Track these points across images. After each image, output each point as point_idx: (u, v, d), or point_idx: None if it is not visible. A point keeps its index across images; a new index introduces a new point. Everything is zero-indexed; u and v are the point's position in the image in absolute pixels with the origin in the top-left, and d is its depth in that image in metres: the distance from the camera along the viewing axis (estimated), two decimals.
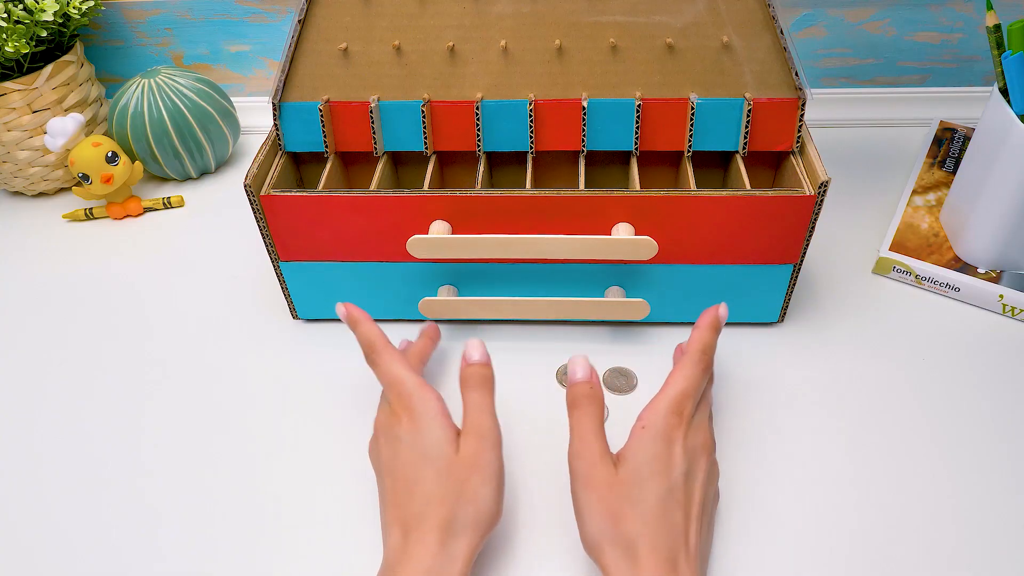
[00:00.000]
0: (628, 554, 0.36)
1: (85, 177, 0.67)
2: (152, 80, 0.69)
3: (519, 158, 0.57)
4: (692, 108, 0.51)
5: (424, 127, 0.53)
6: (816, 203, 0.48)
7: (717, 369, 0.52)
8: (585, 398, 0.41)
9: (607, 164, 0.58)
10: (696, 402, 0.41)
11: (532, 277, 0.53)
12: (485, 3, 0.50)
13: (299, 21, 0.50)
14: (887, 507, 0.44)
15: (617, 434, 0.49)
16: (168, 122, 0.69)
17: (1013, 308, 0.55)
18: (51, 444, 0.51)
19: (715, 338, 0.44)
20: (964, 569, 0.41)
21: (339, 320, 0.57)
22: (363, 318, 0.46)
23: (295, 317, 0.58)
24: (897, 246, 0.59)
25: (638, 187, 0.51)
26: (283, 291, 0.56)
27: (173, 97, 0.69)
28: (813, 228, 0.49)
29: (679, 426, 0.40)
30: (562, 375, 0.53)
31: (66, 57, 0.70)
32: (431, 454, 0.39)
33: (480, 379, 0.43)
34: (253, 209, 0.51)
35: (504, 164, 0.59)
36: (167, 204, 0.72)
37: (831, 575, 0.41)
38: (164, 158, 0.72)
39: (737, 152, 0.53)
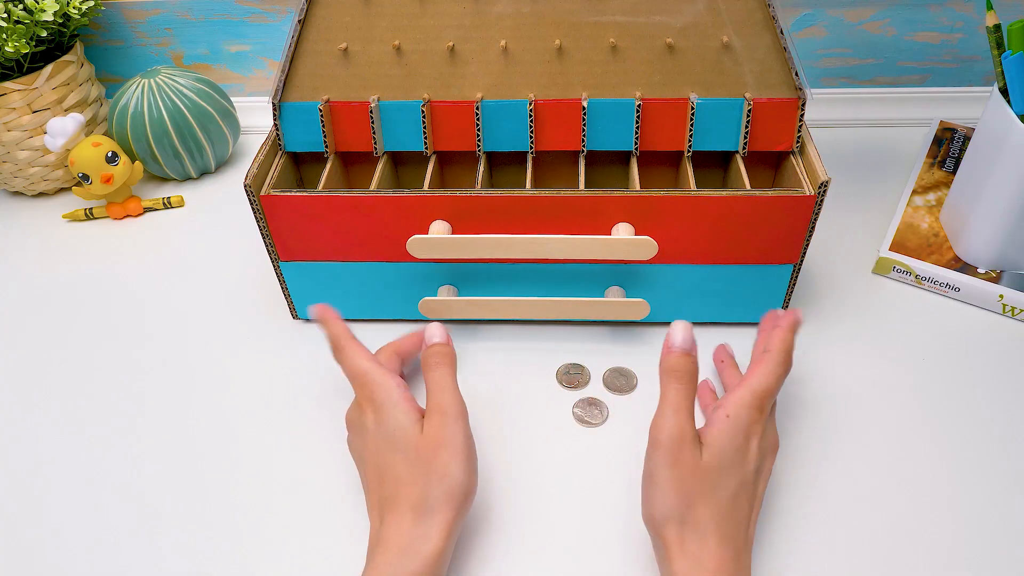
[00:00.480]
0: (697, 537, 0.37)
1: (85, 177, 0.67)
2: (152, 80, 0.69)
3: (519, 158, 0.57)
4: (692, 108, 0.51)
5: (424, 127, 0.53)
6: (816, 203, 0.48)
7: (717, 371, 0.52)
8: (686, 373, 0.40)
9: (607, 164, 0.58)
10: (773, 401, 0.42)
11: (532, 277, 0.53)
12: (485, 3, 0.50)
13: (299, 21, 0.50)
14: (887, 507, 0.44)
15: (619, 435, 0.49)
16: (168, 122, 0.69)
17: (1013, 308, 0.55)
18: (51, 443, 0.51)
19: (791, 343, 0.44)
20: (963, 569, 0.41)
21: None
22: (331, 317, 0.47)
23: (295, 317, 0.58)
24: (897, 246, 0.59)
25: (638, 187, 0.51)
26: (283, 291, 0.56)
27: (173, 97, 0.69)
28: (813, 228, 0.49)
29: (759, 422, 0.40)
30: (562, 375, 0.53)
31: (66, 57, 0.70)
32: (396, 439, 0.41)
33: (439, 357, 0.44)
34: (253, 209, 0.51)
35: (504, 164, 0.59)
36: (167, 204, 0.72)
37: (830, 574, 0.41)
38: (164, 158, 0.72)
39: (737, 152, 0.53)
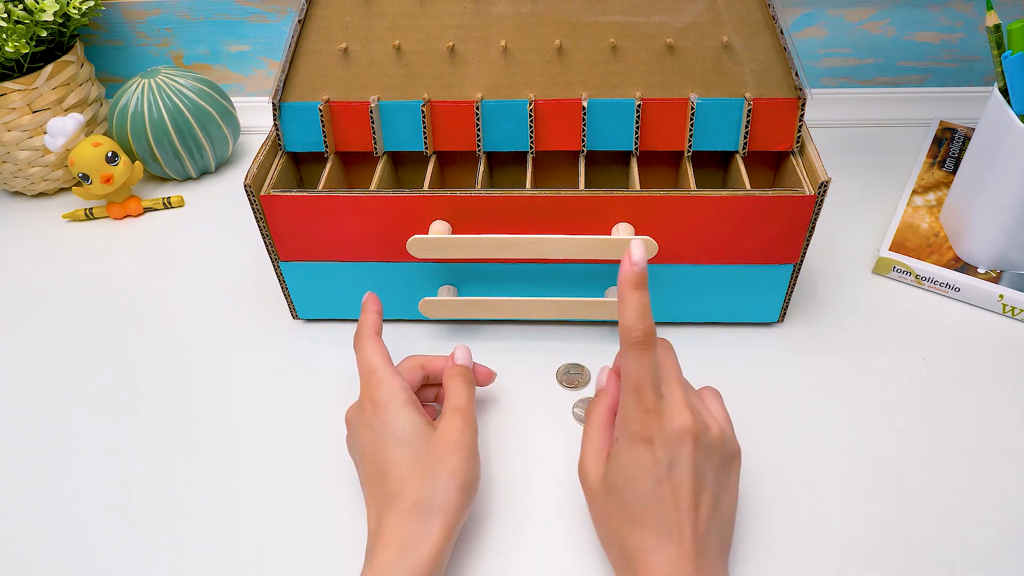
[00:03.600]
0: (629, 565, 0.37)
1: (85, 177, 0.67)
2: (152, 80, 0.69)
3: (519, 158, 0.57)
4: (692, 108, 0.51)
5: (424, 127, 0.53)
6: (816, 203, 0.48)
7: (716, 370, 0.52)
8: (592, 407, 0.43)
9: (607, 164, 0.58)
10: (655, 388, 0.37)
11: (532, 277, 0.53)
12: (485, 3, 0.50)
13: (299, 21, 0.50)
14: (887, 507, 0.44)
15: None
16: (168, 122, 0.69)
17: (1013, 308, 0.55)
18: (51, 442, 0.51)
19: (637, 306, 0.37)
20: (963, 569, 0.41)
21: (340, 320, 0.57)
22: (370, 308, 0.48)
23: (295, 317, 0.58)
24: (897, 246, 0.59)
25: (638, 187, 0.51)
26: (283, 291, 0.56)
27: (173, 97, 0.69)
28: (813, 228, 0.49)
29: (649, 421, 0.37)
30: (562, 375, 0.53)
31: (66, 57, 0.70)
32: (403, 436, 0.41)
33: (465, 375, 0.45)
34: (253, 209, 0.51)
35: (504, 164, 0.59)
36: (167, 204, 0.72)
37: (829, 574, 0.41)
38: (164, 158, 0.72)
39: (737, 152, 0.53)
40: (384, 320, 0.56)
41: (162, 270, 0.65)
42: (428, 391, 0.49)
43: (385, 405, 0.42)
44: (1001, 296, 0.55)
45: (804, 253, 0.51)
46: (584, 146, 0.53)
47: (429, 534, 0.38)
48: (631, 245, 0.37)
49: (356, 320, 0.56)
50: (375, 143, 0.54)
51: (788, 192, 0.48)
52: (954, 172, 0.66)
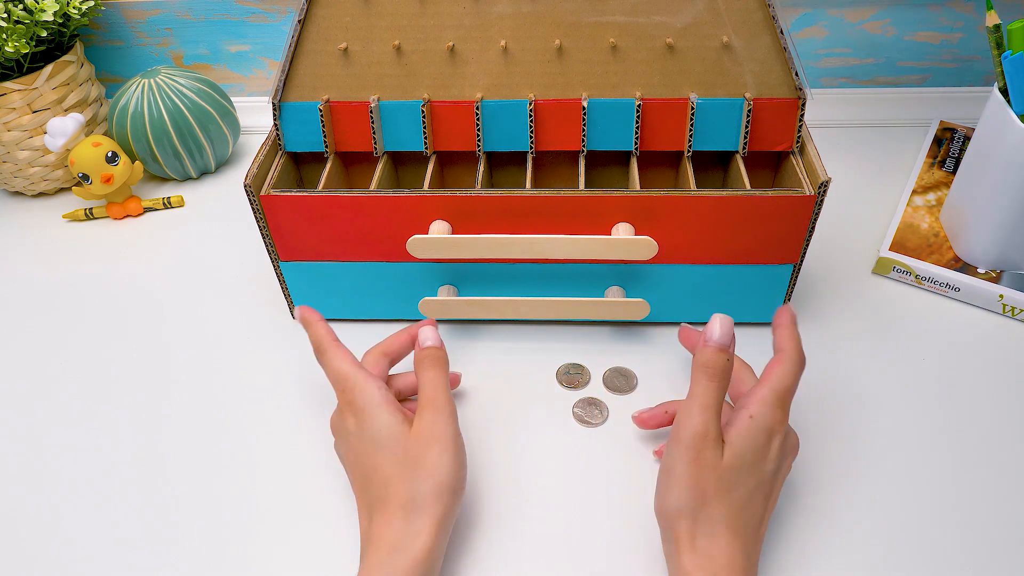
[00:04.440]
0: (708, 532, 0.37)
1: (85, 177, 0.67)
2: (152, 80, 0.69)
3: (519, 158, 0.57)
4: (692, 108, 0.51)
5: (424, 127, 0.53)
6: (816, 203, 0.48)
7: None
8: (719, 371, 0.39)
9: (607, 164, 0.58)
10: (791, 401, 0.41)
11: (532, 277, 0.53)
12: (485, 3, 0.50)
13: (299, 21, 0.50)
14: (886, 507, 0.44)
15: (619, 435, 0.49)
16: (168, 122, 0.69)
17: (1013, 308, 0.55)
18: (50, 442, 0.51)
19: (798, 342, 0.43)
20: (964, 569, 0.41)
21: (339, 320, 0.57)
22: (314, 319, 0.46)
23: (295, 317, 0.58)
24: (897, 246, 0.59)
25: (638, 187, 0.51)
26: (283, 291, 0.56)
27: (173, 97, 0.69)
28: (813, 228, 0.49)
29: (782, 422, 0.40)
30: (562, 375, 0.53)
31: (66, 57, 0.70)
32: (382, 439, 0.41)
33: (433, 360, 0.44)
34: (253, 209, 0.51)
35: (504, 164, 0.59)
36: (167, 204, 0.72)
37: (828, 571, 0.41)
38: (164, 158, 0.72)
39: (737, 152, 0.53)
40: (384, 320, 0.57)
41: (162, 270, 0.65)
42: (410, 379, 0.48)
43: (362, 410, 0.42)
44: (1001, 296, 0.55)
45: (804, 253, 0.51)
46: (584, 146, 0.53)
47: (418, 532, 0.38)
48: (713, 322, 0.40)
49: (356, 320, 0.57)
50: (375, 143, 0.54)
51: (788, 192, 0.48)
52: (954, 172, 0.66)
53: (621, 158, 0.57)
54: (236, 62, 0.82)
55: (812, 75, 0.77)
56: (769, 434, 0.39)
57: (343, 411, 0.43)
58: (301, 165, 0.58)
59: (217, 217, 0.70)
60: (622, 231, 0.49)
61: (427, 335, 0.45)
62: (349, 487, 0.46)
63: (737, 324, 0.55)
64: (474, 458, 0.47)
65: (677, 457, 0.38)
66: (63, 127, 0.68)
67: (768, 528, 0.43)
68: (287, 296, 0.56)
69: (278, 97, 0.53)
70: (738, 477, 0.38)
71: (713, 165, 0.57)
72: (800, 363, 0.42)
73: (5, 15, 0.64)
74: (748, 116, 0.51)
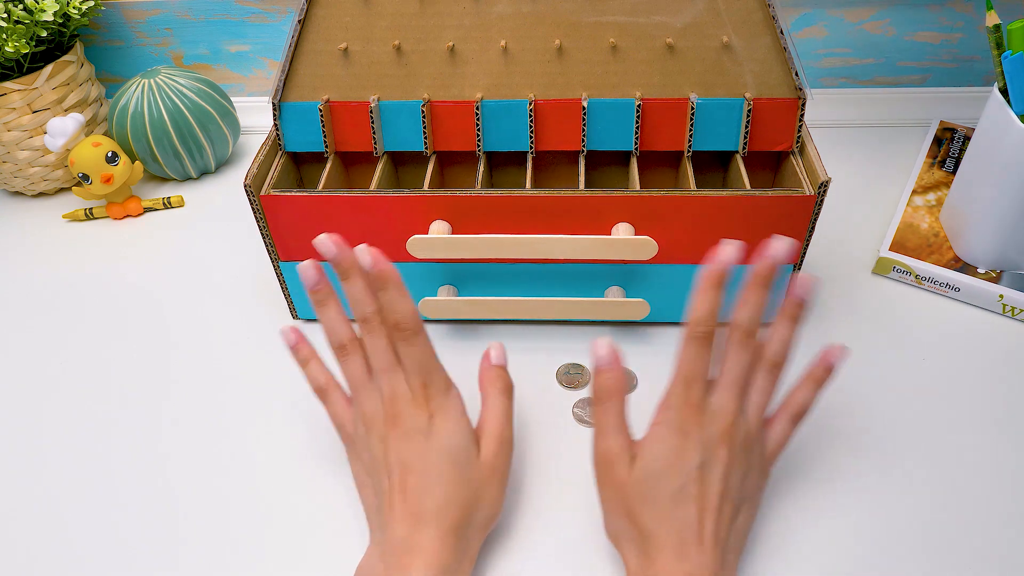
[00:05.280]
0: (642, 550, 0.37)
1: (85, 177, 0.67)
2: (152, 80, 0.69)
3: (519, 158, 0.57)
4: (692, 108, 0.51)
5: (424, 127, 0.53)
6: (816, 203, 0.48)
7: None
8: (605, 392, 0.39)
9: (607, 164, 0.58)
10: (703, 384, 0.39)
11: (532, 277, 0.53)
12: (485, 3, 0.50)
13: (299, 21, 0.50)
14: (886, 507, 0.44)
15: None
16: (168, 122, 0.69)
17: (1013, 308, 0.55)
18: (49, 442, 0.51)
19: (710, 304, 0.39)
20: (963, 568, 0.41)
21: None
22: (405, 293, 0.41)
23: (295, 317, 0.58)
24: (897, 246, 0.59)
25: (638, 187, 0.51)
26: (283, 291, 0.56)
27: (173, 97, 0.69)
28: (813, 228, 0.49)
29: (692, 415, 0.38)
30: (562, 375, 0.53)
31: (66, 57, 0.70)
32: (457, 455, 0.39)
33: (506, 386, 0.44)
34: (253, 209, 0.51)
35: (504, 164, 0.59)
36: (167, 204, 0.72)
37: (829, 572, 0.41)
38: (164, 158, 0.72)
39: (737, 152, 0.53)
40: None
41: (162, 270, 0.65)
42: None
43: (450, 414, 0.40)
44: (1001, 296, 0.55)
45: (804, 253, 0.51)
46: (584, 146, 0.53)
47: (467, 557, 0.39)
48: (722, 247, 0.39)
49: (356, 320, 0.57)
50: (375, 143, 0.54)
51: (788, 192, 0.48)
52: (954, 172, 0.66)
53: (621, 158, 0.57)
54: (236, 62, 0.82)
55: (812, 75, 0.77)
56: (681, 432, 0.38)
57: (424, 407, 0.40)
58: (301, 165, 0.58)
59: (217, 217, 0.70)
60: (622, 231, 0.49)
61: (498, 353, 0.44)
62: (351, 486, 0.46)
63: None
64: None
65: (597, 484, 0.39)
66: (63, 127, 0.68)
67: (760, 528, 0.43)
68: (287, 296, 0.56)
69: (278, 97, 0.53)
70: (654, 486, 0.37)
71: (713, 165, 0.57)
72: (693, 343, 0.38)
73: (5, 15, 0.64)
74: (748, 116, 0.51)
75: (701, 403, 0.38)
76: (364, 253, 0.40)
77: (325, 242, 0.41)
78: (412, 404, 0.40)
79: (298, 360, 0.45)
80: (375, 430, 0.41)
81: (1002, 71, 0.53)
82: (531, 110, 0.52)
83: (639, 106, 0.51)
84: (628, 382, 0.40)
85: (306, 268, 0.42)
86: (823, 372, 0.42)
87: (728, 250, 0.39)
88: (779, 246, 0.39)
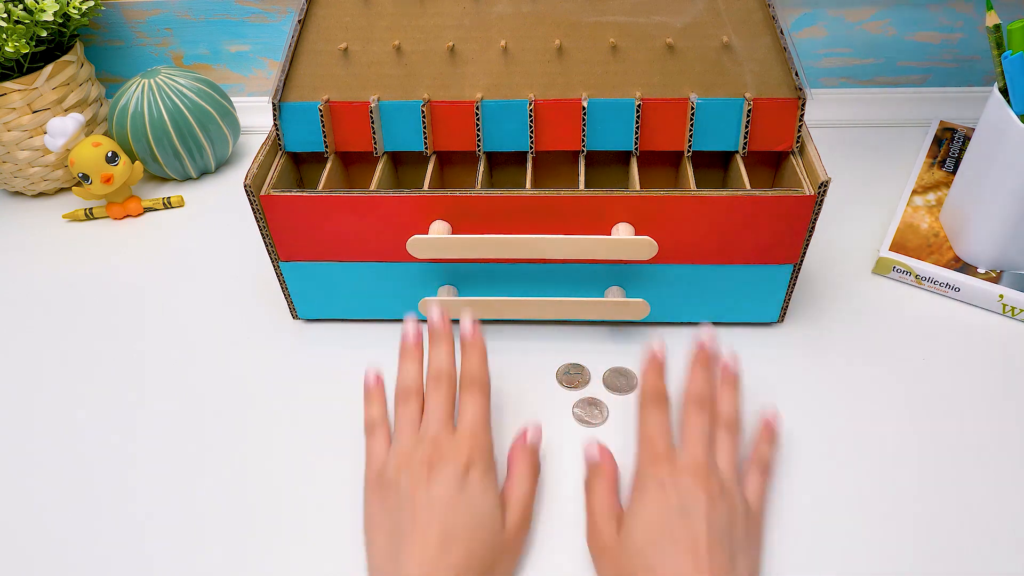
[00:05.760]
0: None
1: (85, 177, 0.67)
2: (152, 80, 0.69)
3: (519, 158, 0.57)
4: (692, 108, 0.51)
5: (424, 127, 0.53)
6: (816, 203, 0.48)
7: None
8: (592, 478, 0.43)
9: (607, 164, 0.58)
10: (667, 440, 0.42)
11: (532, 277, 0.53)
12: (485, 3, 0.50)
13: (299, 21, 0.50)
14: (886, 507, 0.44)
15: (619, 435, 0.49)
16: (168, 122, 0.69)
17: (1013, 308, 0.55)
18: (50, 442, 0.51)
19: (657, 379, 0.43)
20: (963, 568, 0.41)
21: (339, 320, 0.57)
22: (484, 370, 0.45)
23: (295, 317, 0.58)
24: (897, 246, 0.59)
25: (638, 187, 0.51)
26: (283, 291, 0.56)
27: (173, 97, 0.69)
28: (813, 228, 0.49)
29: (664, 467, 0.40)
30: (562, 375, 0.53)
31: (66, 57, 0.70)
32: (485, 518, 0.40)
33: (535, 467, 0.45)
34: (253, 209, 0.51)
35: (504, 164, 0.59)
36: (167, 204, 0.72)
37: (827, 574, 0.41)
38: (164, 158, 0.72)
39: (737, 152, 0.53)
40: (384, 320, 0.57)
41: (162, 270, 0.65)
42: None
43: (487, 475, 0.41)
44: (1001, 296, 0.55)
45: (804, 253, 0.51)
46: (584, 146, 0.53)
47: None
48: (652, 354, 0.44)
49: (356, 320, 0.57)
50: (375, 143, 0.54)
51: (788, 192, 0.48)
52: (954, 172, 0.66)
53: (621, 158, 0.57)
54: (236, 62, 0.82)
55: (812, 75, 0.77)
56: (658, 485, 0.40)
57: (466, 461, 0.40)
58: (301, 165, 0.58)
59: (217, 217, 0.70)
60: (622, 231, 0.49)
61: (535, 437, 0.45)
62: (351, 486, 0.46)
63: (736, 324, 0.55)
64: None
65: (593, 562, 0.41)
66: (63, 127, 0.68)
67: (766, 533, 0.43)
68: (287, 296, 0.56)
69: (278, 97, 0.53)
70: (643, 547, 0.38)
71: (713, 165, 0.57)
72: (649, 405, 0.43)
73: (5, 15, 0.64)
74: (748, 116, 0.51)
75: (670, 455, 0.41)
76: (465, 320, 0.46)
77: (433, 312, 0.46)
78: (453, 452, 0.41)
79: (368, 395, 0.47)
80: (410, 470, 0.41)
81: (1002, 71, 0.53)
82: (531, 110, 0.52)
83: (639, 106, 0.51)
84: (617, 470, 0.44)
85: (410, 324, 0.46)
86: (770, 435, 0.46)
87: (660, 349, 0.44)
88: (704, 332, 0.45)
